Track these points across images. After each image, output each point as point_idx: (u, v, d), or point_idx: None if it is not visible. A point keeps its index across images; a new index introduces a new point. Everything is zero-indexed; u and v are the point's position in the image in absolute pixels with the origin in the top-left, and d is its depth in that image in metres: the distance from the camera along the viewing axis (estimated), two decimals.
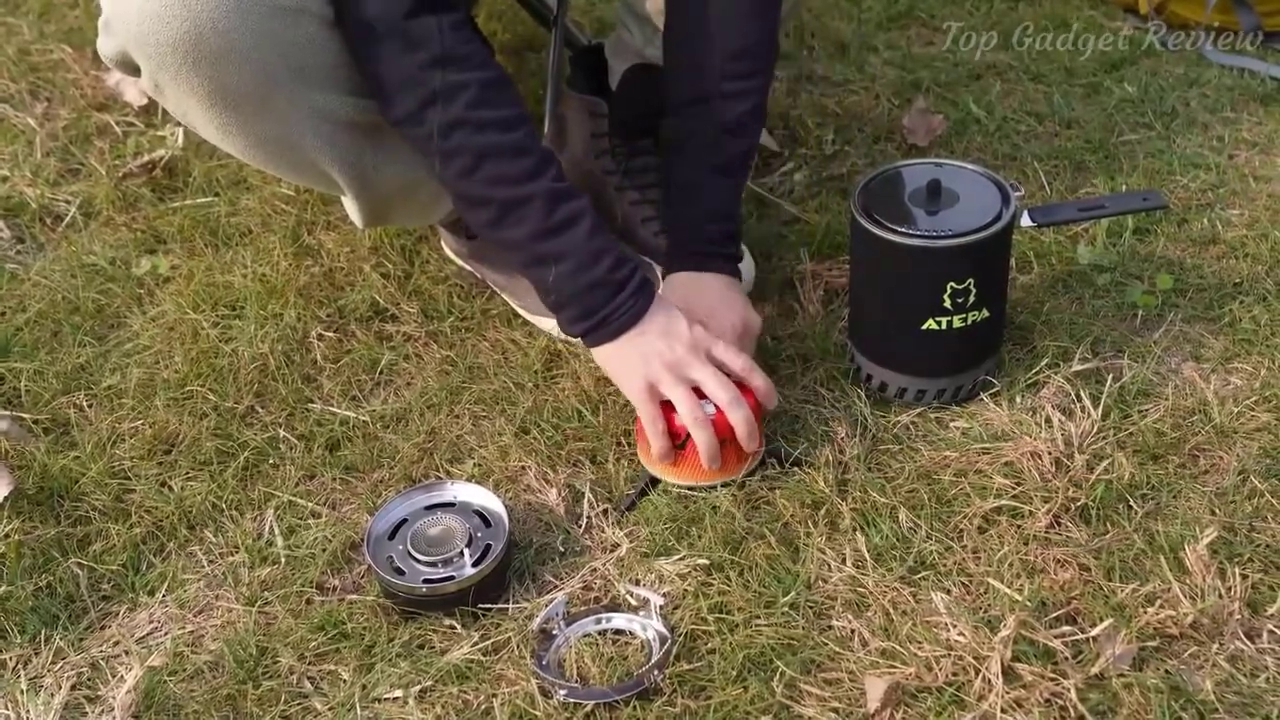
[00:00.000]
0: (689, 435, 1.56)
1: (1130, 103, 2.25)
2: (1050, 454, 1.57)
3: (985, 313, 1.62)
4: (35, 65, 2.54)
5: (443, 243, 1.98)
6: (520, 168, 1.53)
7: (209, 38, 1.44)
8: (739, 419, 1.56)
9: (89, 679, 1.47)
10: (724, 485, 1.60)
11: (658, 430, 1.57)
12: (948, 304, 1.60)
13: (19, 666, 1.48)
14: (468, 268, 1.96)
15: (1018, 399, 1.67)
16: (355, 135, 1.60)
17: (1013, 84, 2.33)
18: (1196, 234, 1.94)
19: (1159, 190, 1.93)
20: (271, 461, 1.70)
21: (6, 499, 1.62)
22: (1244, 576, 1.43)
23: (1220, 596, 1.41)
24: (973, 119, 2.23)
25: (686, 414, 1.55)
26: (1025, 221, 1.67)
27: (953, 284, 1.58)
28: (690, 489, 1.61)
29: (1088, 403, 1.63)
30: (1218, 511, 1.52)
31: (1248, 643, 1.38)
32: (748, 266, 1.88)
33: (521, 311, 1.89)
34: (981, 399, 1.68)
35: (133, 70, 1.52)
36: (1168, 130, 2.17)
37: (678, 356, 1.56)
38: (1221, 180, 2.05)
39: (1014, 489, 1.55)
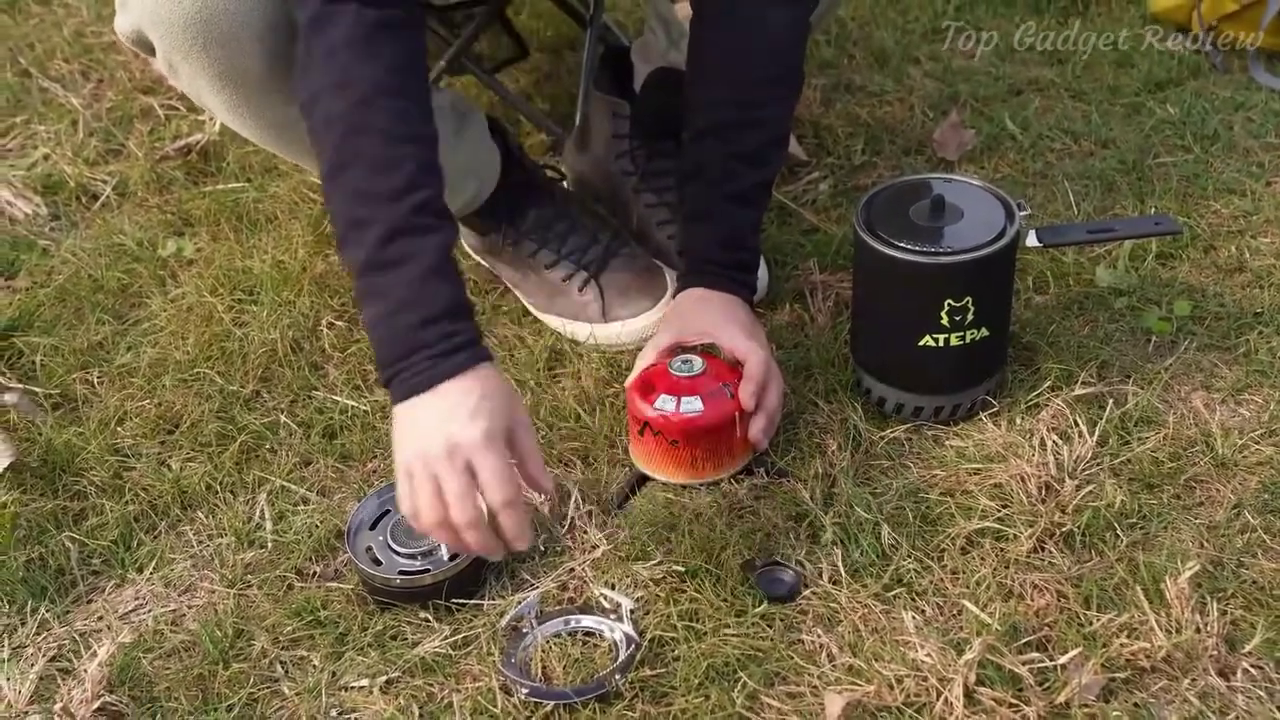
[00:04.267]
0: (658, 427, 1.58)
1: (1171, 124, 2.21)
2: (1039, 478, 1.54)
3: (985, 332, 1.60)
4: (89, 47, 2.59)
5: (460, 238, 1.99)
6: (378, 185, 1.36)
7: (219, 19, 1.46)
8: (510, 521, 1.37)
9: (69, 651, 1.49)
10: (712, 484, 1.60)
11: (406, 508, 1.39)
12: (945, 321, 1.58)
13: (3, 636, 1.51)
14: (484, 263, 1.97)
15: (1017, 420, 1.65)
16: None
17: (1053, 100, 2.30)
18: (1223, 261, 1.90)
19: (1171, 215, 1.89)
20: (269, 446, 1.72)
21: (6, 470, 1.65)
22: (1223, 612, 1.40)
23: (1198, 631, 1.38)
24: (1007, 135, 2.20)
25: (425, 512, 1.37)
26: (1032, 241, 1.65)
27: (950, 301, 1.56)
28: (681, 486, 1.61)
29: (1084, 428, 1.60)
30: (1207, 544, 1.49)
31: (1220, 680, 1.35)
32: (762, 274, 1.87)
33: (532, 309, 1.90)
34: (980, 418, 1.66)
35: (148, 49, 1.55)
36: (1206, 154, 2.13)
37: (432, 452, 1.34)
38: (1256, 207, 2.00)
39: (999, 511, 1.53)
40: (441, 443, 1.33)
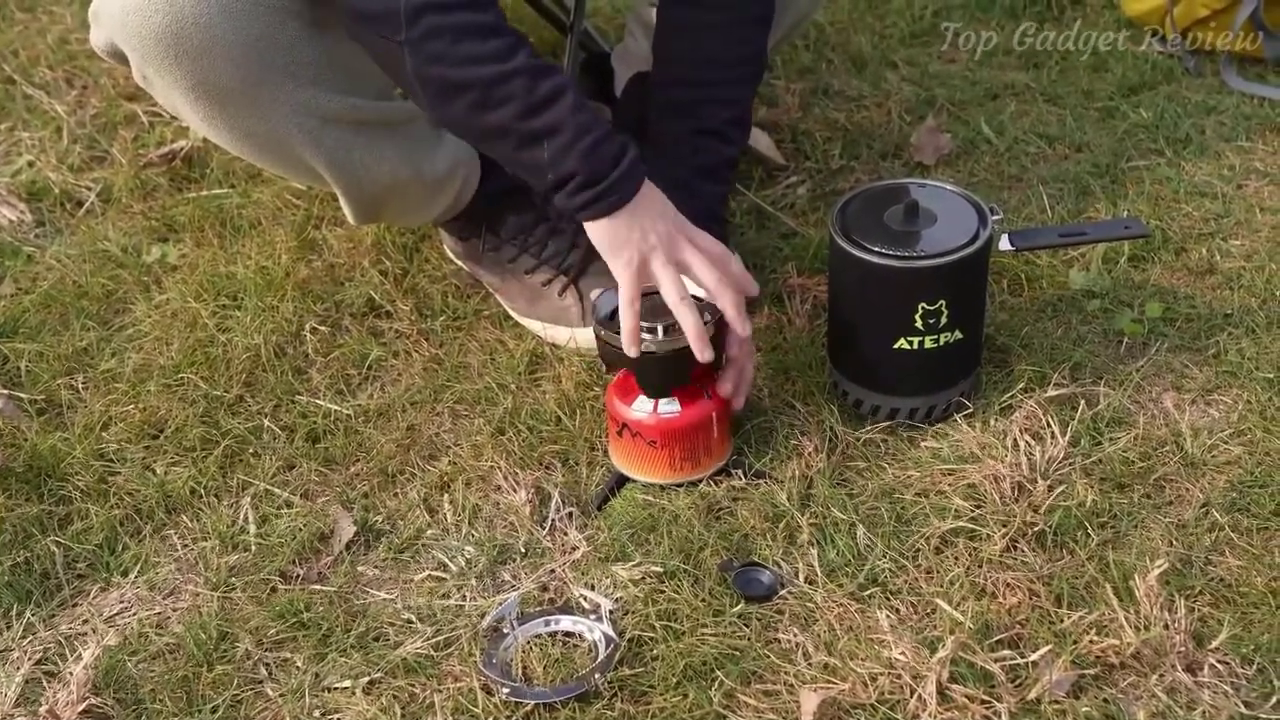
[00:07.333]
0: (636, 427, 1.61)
1: (1144, 128, 2.23)
2: (1012, 478, 1.57)
3: (959, 334, 1.63)
4: (73, 54, 2.60)
5: (442, 242, 2.01)
6: (495, 46, 1.50)
7: (190, 32, 1.48)
8: (728, 302, 1.56)
9: (54, 655, 1.51)
10: (691, 485, 1.63)
11: (633, 310, 1.55)
12: (919, 324, 1.60)
13: None
14: (465, 268, 1.99)
15: (991, 421, 1.67)
16: (343, 132, 1.63)
17: (1028, 105, 2.32)
18: (1193, 263, 1.93)
19: (1140, 218, 1.92)
20: (253, 450, 1.74)
21: None
22: (1191, 609, 1.43)
23: (1166, 627, 1.41)
24: (983, 139, 2.23)
25: (673, 294, 1.55)
26: (1004, 245, 1.67)
27: (924, 304, 1.59)
28: (661, 487, 1.63)
29: (1056, 429, 1.63)
30: (1175, 543, 1.52)
31: (1187, 675, 1.37)
32: None
33: (513, 313, 1.92)
34: (955, 420, 1.69)
35: (124, 61, 1.56)
36: (1178, 157, 2.16)
37: (670, 234, 1.56)
38: (1227, 210, 2.03)
39: (973, 511, 1.56)
40: (670, 225, 1.56)
